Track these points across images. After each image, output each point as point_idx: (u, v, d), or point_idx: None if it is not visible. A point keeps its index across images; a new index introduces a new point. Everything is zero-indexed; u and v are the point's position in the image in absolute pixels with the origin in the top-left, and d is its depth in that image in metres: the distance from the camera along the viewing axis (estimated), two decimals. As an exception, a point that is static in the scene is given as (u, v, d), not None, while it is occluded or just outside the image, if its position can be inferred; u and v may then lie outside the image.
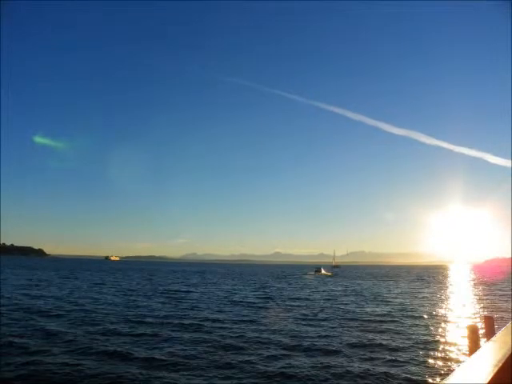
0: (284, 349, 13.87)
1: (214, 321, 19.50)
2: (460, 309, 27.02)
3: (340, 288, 47.32)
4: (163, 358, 12.33)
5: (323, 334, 16.72)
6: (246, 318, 20.44)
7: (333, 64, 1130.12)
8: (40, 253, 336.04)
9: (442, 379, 10.74)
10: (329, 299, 32.09)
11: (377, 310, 25.32)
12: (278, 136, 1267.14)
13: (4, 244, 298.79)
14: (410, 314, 23.52)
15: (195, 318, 20.43)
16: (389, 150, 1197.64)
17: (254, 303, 28.01)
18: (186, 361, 12.06)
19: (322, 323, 19.50)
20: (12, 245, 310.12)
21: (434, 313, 24.41)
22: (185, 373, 11.04)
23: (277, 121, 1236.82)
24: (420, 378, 11.01)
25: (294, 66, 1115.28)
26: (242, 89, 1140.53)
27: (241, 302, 29.00)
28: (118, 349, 13.21)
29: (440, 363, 12.54)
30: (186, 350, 13.40)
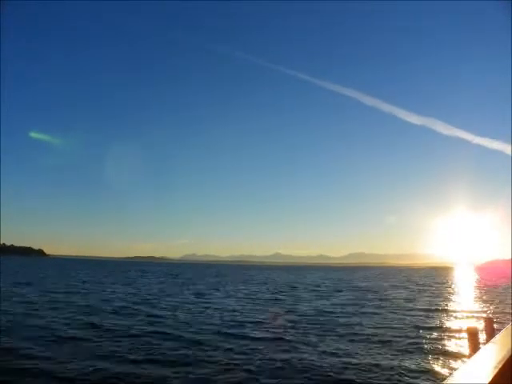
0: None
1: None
2: (460, 310, 27.03)
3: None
4: None
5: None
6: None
7: (343, 44, 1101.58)
8: (40, 253, 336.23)
9: (441, 380, 10.73)
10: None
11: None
12: (277, 135, 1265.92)
13: (4, 244, 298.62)
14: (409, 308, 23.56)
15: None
16: (395, 142, 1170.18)
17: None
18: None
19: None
20: (12, 245, 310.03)
21: (434, 312, 24.46)
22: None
23: (278, 114, 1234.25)
24: (420, 378, 11.01)
25: (302, 45, 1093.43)
26: (245, 84, 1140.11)
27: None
28: None
29: (439, 364, 12.54)
30: None
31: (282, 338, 15.93)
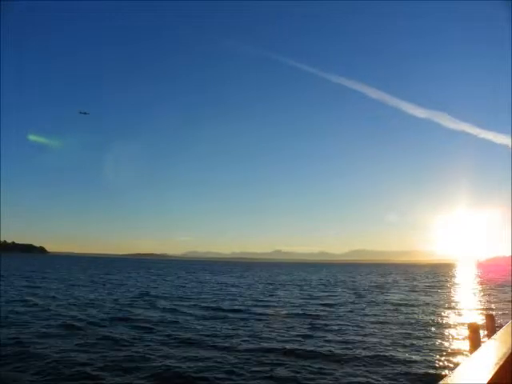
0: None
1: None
2: (461, 306, 27.02)
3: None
4: None
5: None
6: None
7: (349, 39, 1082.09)
8: (41, 250, 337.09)
9: (442, 378, 10.72)
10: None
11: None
12: (277, 132, 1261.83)
13: (5, 241, 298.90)
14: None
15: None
16: (398, 137, 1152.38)
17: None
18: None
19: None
20: (13, 242, 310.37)
21: (437, 308, 24.45)
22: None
23: (279, 109, 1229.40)
24: (420, 376, 11.01)
25: (308, 39, 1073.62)
26: (247, 81, 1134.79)
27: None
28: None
29: (440, 361, 12.53)
30: None
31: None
